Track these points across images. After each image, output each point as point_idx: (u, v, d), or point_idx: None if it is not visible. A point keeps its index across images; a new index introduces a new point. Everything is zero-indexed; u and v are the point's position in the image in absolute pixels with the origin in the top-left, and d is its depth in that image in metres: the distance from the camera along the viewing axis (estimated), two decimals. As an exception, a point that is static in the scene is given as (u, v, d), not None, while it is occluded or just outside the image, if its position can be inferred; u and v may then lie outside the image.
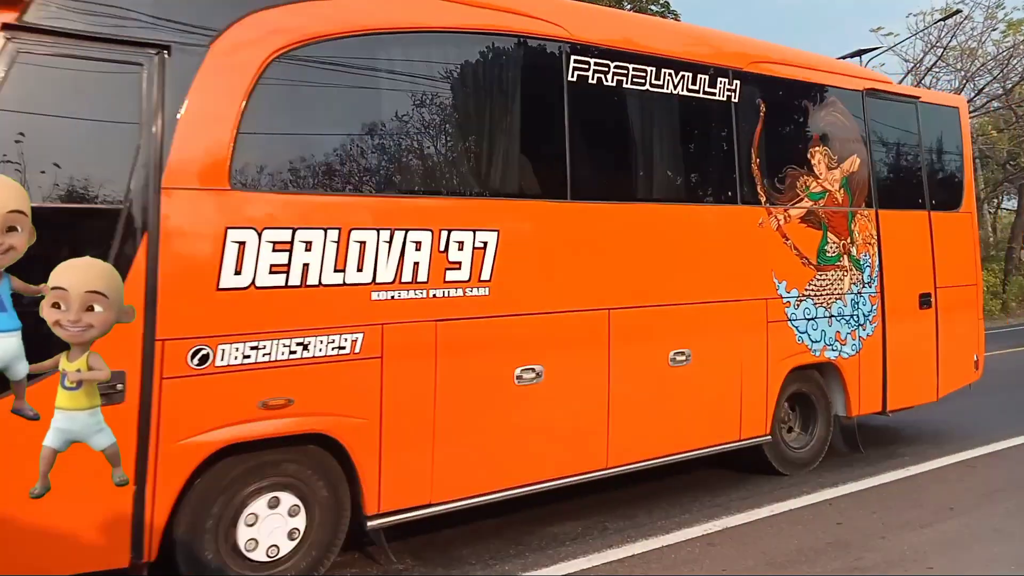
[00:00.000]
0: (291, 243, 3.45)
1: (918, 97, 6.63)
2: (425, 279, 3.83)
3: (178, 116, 3.23)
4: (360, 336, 3.64)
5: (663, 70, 4.84)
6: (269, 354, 3.41)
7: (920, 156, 6.45)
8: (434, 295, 3.86)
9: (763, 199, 5.28)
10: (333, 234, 3.57)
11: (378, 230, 3.70)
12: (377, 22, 3.86)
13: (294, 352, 3.47)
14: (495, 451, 4.07)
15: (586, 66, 4.50)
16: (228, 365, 3.31)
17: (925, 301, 6.21)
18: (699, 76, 5.03)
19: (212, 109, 3.32)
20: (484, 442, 4.03)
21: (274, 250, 3.41)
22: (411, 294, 3.80)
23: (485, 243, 4.03)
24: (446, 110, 4.11)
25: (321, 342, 3.54)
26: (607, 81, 4.60)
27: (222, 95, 3.35)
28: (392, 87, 3.94)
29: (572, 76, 4.45)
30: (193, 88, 3.26)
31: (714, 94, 5.10)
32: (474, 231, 4.00)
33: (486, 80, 4.26)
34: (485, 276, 4.02)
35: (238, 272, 3.32)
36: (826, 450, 5.75)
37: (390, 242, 3.73)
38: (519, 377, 4.12)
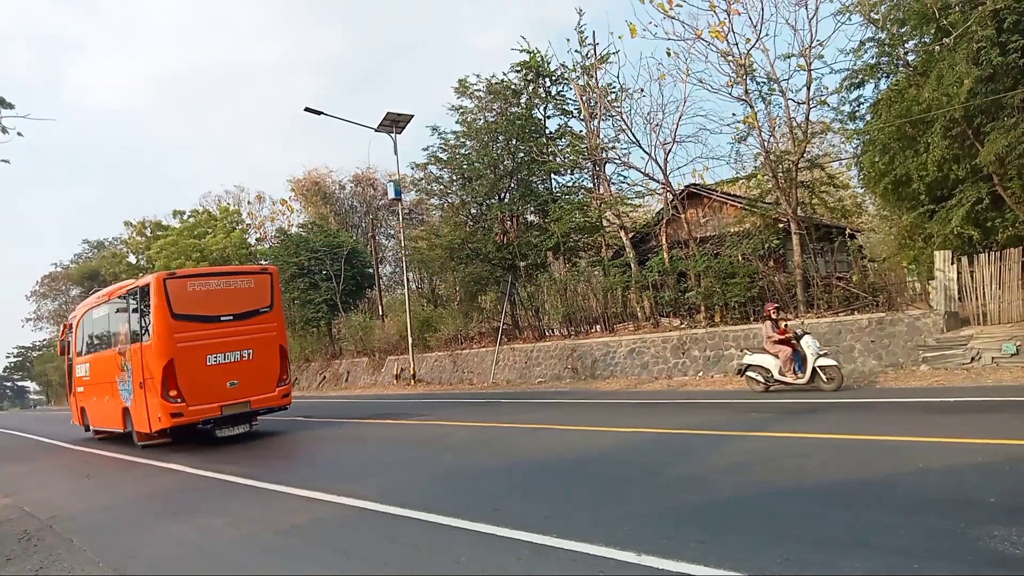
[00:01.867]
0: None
1: (139, 287, 13.50)
2: None
3: None
4: None
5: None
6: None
7: (139, 315, 13.49)
8: None
9: (119, 347, 15.15)
10: None
11: None
12: None
13: None
14: None
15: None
16: None
17: (140, 384, 13.47)
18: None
19: None
20: None
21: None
22: None
23: None
24: None
25: None
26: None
27: None
28: None
29: None
30: None
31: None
32: None
33: None
34: None
35: None
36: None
37: None
38: None
